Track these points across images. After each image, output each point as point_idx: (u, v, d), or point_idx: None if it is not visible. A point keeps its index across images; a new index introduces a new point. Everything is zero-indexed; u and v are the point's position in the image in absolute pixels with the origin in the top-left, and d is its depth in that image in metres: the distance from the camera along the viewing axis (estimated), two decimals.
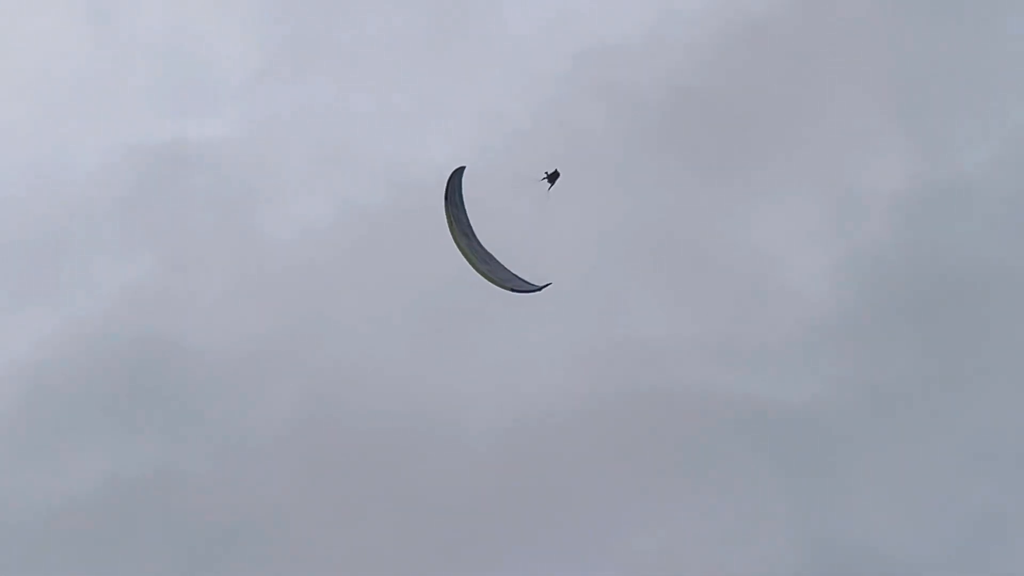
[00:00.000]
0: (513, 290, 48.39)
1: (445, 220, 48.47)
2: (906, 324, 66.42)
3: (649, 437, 65.25)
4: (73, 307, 63.70)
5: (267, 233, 67.82)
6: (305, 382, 63.95)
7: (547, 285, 48.18)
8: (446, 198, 48.70)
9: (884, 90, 70.13)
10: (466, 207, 49.19)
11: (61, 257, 66.48)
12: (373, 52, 71.37)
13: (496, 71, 69.50)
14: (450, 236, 48.50)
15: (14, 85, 71.99)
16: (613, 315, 67.22)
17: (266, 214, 68.04)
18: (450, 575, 58.55)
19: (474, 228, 49.15)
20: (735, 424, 64.80)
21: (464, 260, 48.58)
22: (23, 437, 61.16)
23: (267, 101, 70.40)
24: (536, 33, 70.86)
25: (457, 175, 48.65)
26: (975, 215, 67.15)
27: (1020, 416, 62.13)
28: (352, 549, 58.57)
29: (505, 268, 49.04)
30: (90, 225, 67.15)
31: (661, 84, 68.98)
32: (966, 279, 65.78)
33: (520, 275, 48.84)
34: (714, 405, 65.31)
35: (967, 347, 64.84)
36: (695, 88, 69.24)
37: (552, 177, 50.82)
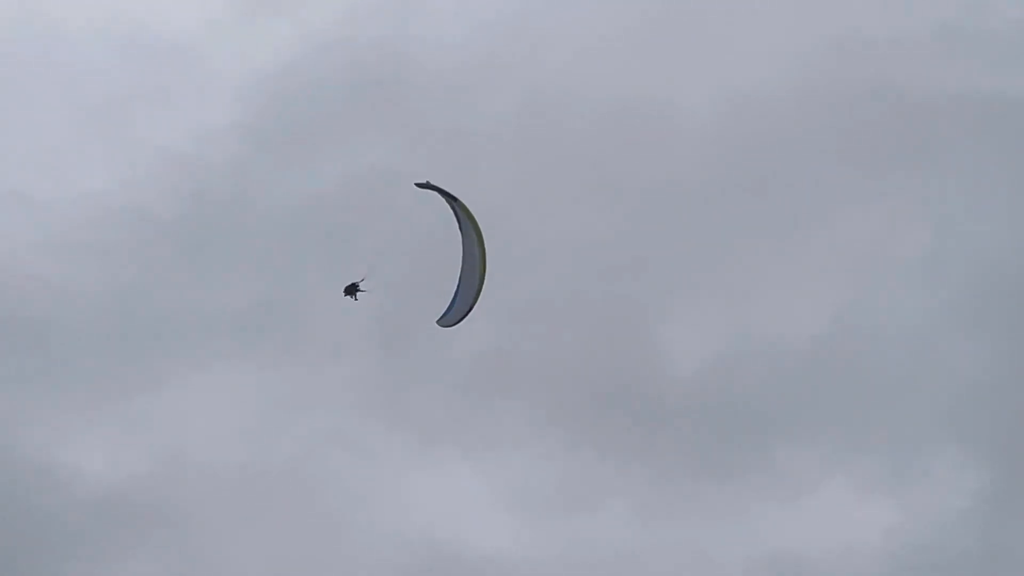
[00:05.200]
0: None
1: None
2: None
3: (869, 129, 65.07)
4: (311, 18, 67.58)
5: None
6: (525, 86, 66.38)
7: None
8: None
9: None
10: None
11: None
12: None
13: None
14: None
15: None
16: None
17: None
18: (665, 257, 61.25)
19: None
20: (958, 114, 63.74)
21: None
22: (269, 141, 66.27)
23: None
24: None
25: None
26: None
27: None
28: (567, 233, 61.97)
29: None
30: None
31: None
32: None
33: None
34: (937, 98, 64.36)
35: None
36: None
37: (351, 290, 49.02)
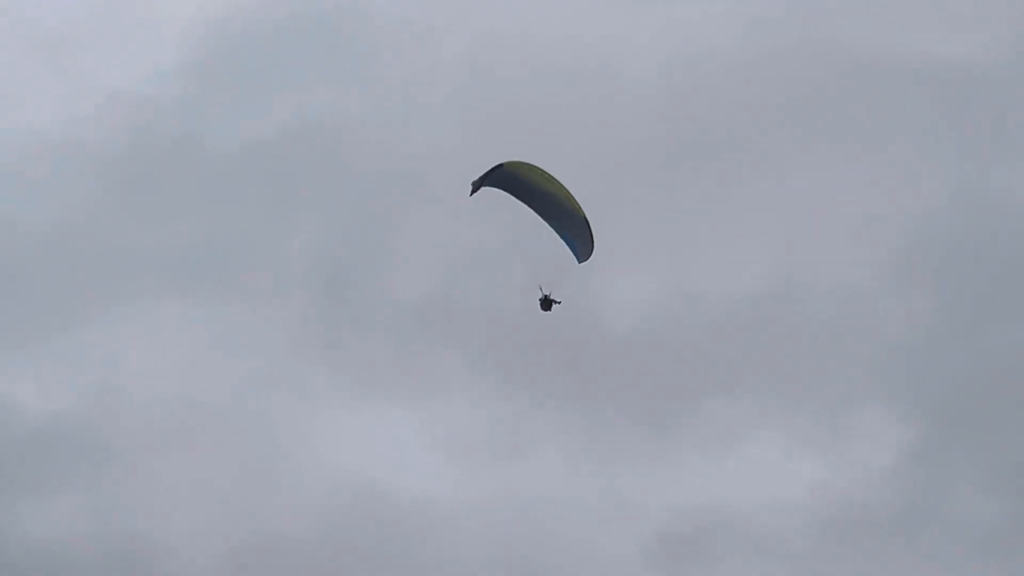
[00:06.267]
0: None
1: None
2: None
3: (811, 91, 66.51)
4: None
5: None
6: (473, 38, 67.74)
7: None
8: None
9: None
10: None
11: None
12: None
13: None
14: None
15: None
16: None
17: None
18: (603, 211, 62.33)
19: None
20: (898, 79, 65.42)
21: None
22: (215, 82, 67.55)
23: None
24: None
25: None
26: None
27: None
28: None
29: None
30: None
31: None
32: None
33: None
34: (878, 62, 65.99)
35: None
36: None
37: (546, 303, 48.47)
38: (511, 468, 63.46)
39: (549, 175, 43.74)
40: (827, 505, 60.99)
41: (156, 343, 64.76)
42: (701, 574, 61.54)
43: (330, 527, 62.23)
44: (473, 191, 43.70)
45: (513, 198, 44.89)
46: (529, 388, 64.49)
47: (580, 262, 46.50)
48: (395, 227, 65.78)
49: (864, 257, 63.63)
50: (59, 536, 60.45)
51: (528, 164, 43.63)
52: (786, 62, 65.82)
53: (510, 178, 43.72)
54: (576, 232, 44.87)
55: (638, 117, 65.06)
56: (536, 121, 65.92)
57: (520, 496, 62.63)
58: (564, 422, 63.64)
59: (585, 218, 44.31)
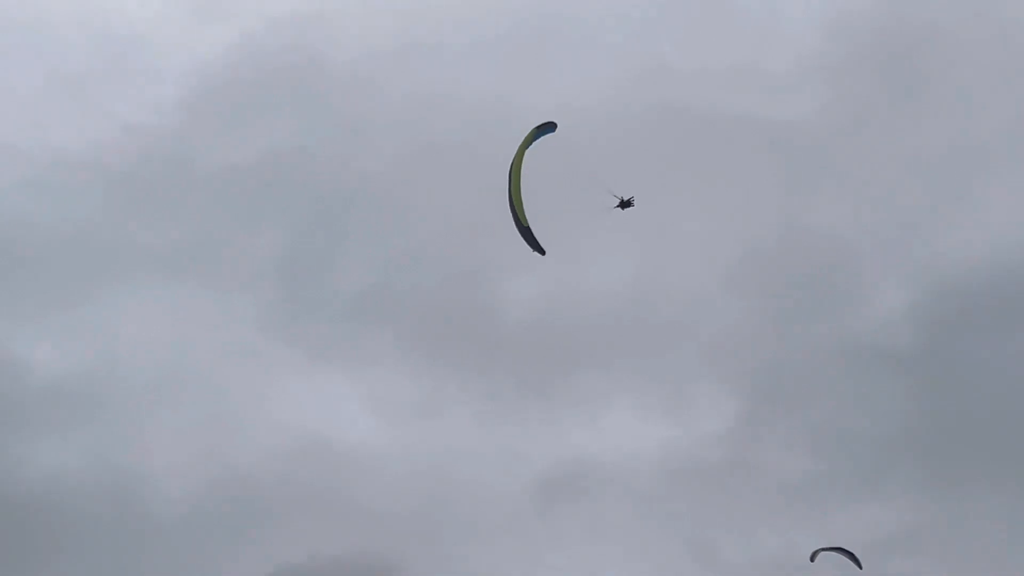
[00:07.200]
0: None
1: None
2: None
3: (670, 140, 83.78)
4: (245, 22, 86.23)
5: None
6: (407, 87, 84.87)
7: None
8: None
9: None
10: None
11: None
12: None
13: None
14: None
15: None
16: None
17: None
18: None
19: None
20: (735, 132, 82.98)
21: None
22: (205, 116, 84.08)
23: None
24: None
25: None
26: None
27: (937, 141, 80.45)
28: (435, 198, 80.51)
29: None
30: None
31: None
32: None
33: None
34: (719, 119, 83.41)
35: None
36: None
37: (625, 204, 58.05)
38: (429, 425, 79.41)
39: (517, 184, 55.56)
40: (672, 458, 77.06)
41: (148, 319, 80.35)
42: (573, 509, 77.92)
43: (284, 469, 77.09)
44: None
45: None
46: (444, 362, 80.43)
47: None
48: (342, 233, 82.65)
49: (705, 268, 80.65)
50: (65, 468, 75.00)
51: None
52: (651, 118, 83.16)
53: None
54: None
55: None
56: (453, 153, 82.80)
57: (435, 447, 78.31)
58: (471, 389, 79.24)
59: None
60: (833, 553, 55.99)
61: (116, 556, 72.25)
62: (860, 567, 55.14)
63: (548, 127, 57.64)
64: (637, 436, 78.32)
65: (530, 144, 56.53)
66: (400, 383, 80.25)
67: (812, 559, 55.51)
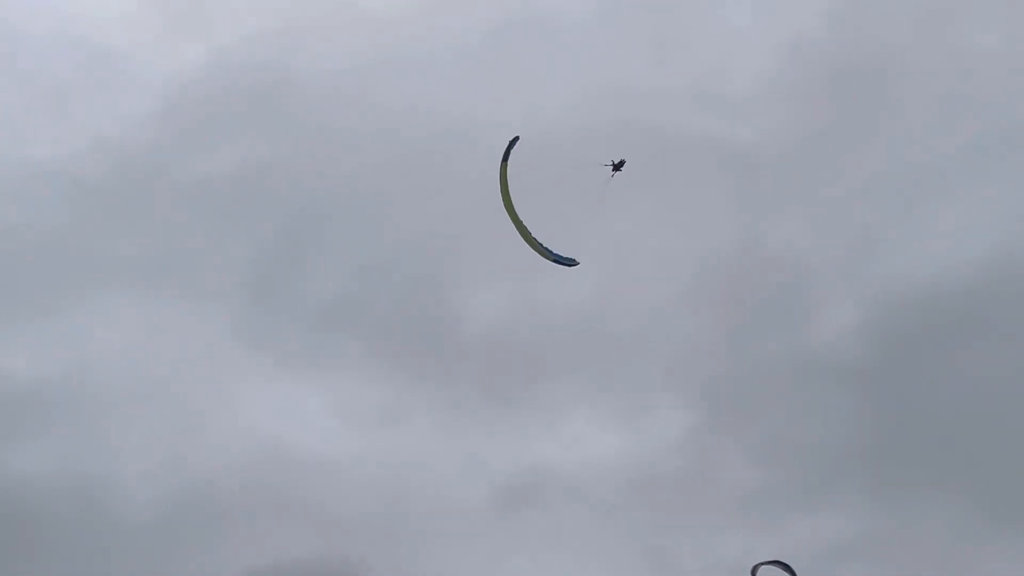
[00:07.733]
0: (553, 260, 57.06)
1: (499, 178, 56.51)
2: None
3: (632, 160, 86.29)
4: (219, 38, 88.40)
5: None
6: (378, 104, 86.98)
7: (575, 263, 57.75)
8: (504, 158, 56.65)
9: None
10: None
11: None
12: None
13: None
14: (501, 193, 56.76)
15: None
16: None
17: None
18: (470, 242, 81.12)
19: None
20: (697, 152, 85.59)
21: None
22: (178, 130, 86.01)
23: None
24: None
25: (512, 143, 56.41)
26: None
27: (888, 163, 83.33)
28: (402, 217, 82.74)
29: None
30: None
31: None
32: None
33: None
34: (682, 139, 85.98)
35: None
36: None
37: (618, 166, 59.64)
38: (391, 432, 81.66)
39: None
40: (629, 467, 79.34)
41: (121, 327, 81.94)
42: (532, 516, 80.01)
43: (250, 474, 78.98)
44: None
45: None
46: (407, 371, 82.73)
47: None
48: (309, 245, 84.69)
49: (663, 284, 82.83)
50: (37, 472, 76.40)
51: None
52: (613, 135, 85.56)
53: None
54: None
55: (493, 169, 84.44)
56: (418, 173, 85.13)
57: (399, 454, 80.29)
58: (433, 398, 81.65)
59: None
60: (773, 567, 58.18)
61: (84, 560, 73.60)
62: None
63: (512, 144, 59.84)
64: (596, 445, 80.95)
65: (506, 174, 58.54)
66: (365, 391, 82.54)
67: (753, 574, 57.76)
